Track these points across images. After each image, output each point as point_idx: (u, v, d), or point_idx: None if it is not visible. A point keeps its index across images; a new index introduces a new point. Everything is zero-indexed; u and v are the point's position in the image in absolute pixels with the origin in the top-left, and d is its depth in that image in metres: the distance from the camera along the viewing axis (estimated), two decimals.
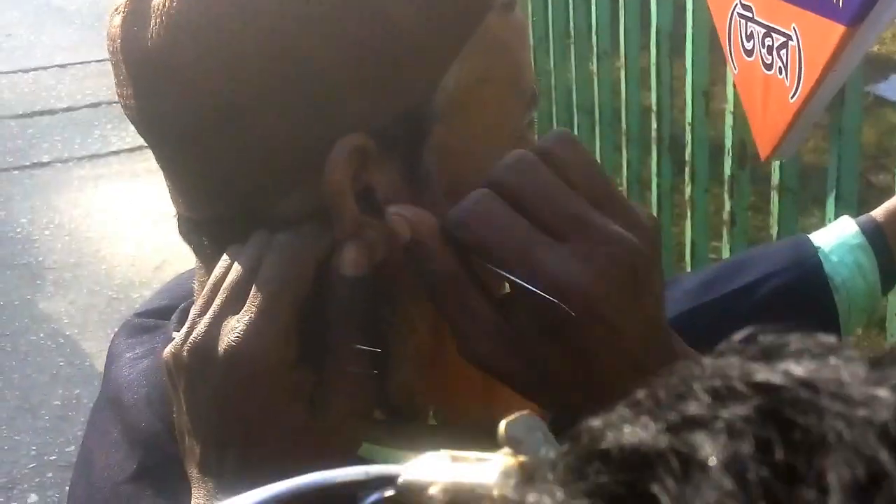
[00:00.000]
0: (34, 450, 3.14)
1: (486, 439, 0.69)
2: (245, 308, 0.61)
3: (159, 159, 0.67)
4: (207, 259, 0.67)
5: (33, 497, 2.98)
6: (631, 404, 0.27)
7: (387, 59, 0.61)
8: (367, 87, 0.61)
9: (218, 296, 0.62)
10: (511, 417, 0.34)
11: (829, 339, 0.27)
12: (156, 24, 0.61)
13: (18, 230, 4.32)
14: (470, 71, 0.64)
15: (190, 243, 0.68)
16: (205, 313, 0.62)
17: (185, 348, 0.62)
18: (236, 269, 0.62)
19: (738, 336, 0.29)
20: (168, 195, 0.69)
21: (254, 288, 0.61)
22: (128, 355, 0.76)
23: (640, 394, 0.27)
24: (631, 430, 0.26)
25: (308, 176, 0.61)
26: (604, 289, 0.57)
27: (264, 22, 0.59)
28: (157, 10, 0.61)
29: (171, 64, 0.61)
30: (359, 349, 0.61)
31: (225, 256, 0.64)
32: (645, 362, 0.59)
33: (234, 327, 0.60)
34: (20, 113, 5.38)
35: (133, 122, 0.66)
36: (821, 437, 0.23)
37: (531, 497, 0.26)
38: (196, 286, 0.71)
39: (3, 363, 3.52)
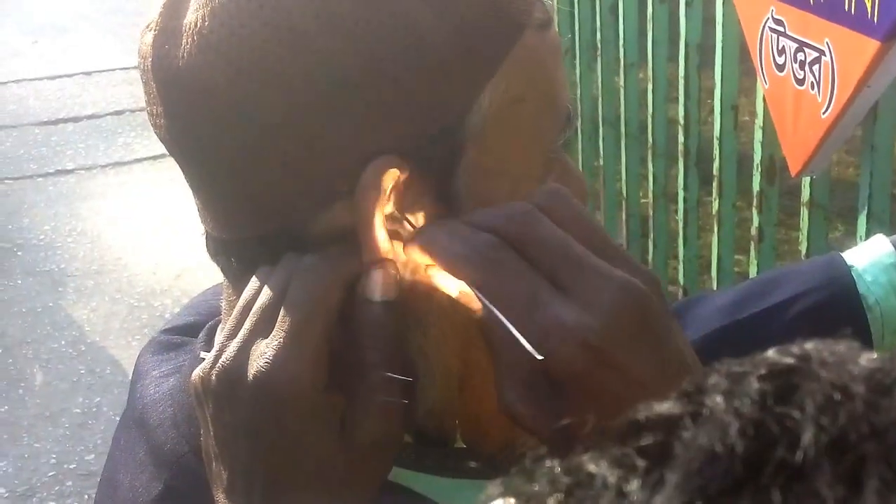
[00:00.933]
0: (54, 458, 3.14)
1: (510, 463, 0.68)
2: (274, 333, 0.59)
3: (189, 178, 0.66)
4: (235, 279, 0.66)
5: None
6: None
7: (422, 79, 0.60)
8: (402, 108, 0.60)
9: (247, 320, 0.61)
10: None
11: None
12: (187, 44, 0.60)
13: (41, 237, 4.34)
14: (505, 90, 0.63)
15: (218, 263, 0.67)
16: (234, 337, 0.61)
17: (214, 373, 0.60)
18: (266, 292, 0.61)
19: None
20: (193, 207, 0.68)
21: (282, 312, 0.60)
22: (154, 373, 0.75)
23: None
24: (660, 404, 0.31)
25: (341, 197, 0.60)
26: (612, 335, 0.55)
27: (298, 41, 0.58)
28: (189, 29, 0.60)
29: (204, 85, 0.60)
30: (389, 376, 0.60)
31: (254, 278, 0.63)
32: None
33: (263, 352, 0.59)
34: (45, 120, 5.41)
35: (163, 142, 0.65)
36: (810, 392, 0.29)
37: (581, 463, 0.31)
38: (224, 305, 0.70)
39: (24, 370, 3.53)
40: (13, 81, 5.89)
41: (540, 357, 0.56)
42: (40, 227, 4.41)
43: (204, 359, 0.63)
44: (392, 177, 0.60)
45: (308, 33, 0.58)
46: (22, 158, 5.04)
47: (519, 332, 0.56)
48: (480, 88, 0.62)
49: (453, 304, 0.60)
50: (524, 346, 0.57)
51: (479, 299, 0.57)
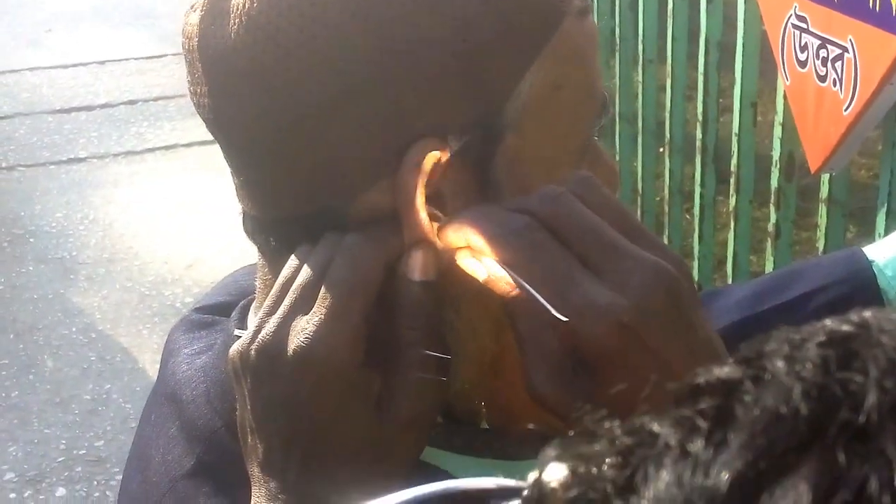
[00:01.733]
0: (63, 443, 3.15)
1: (538, 445, 0.68)
2: (314, 309, 0.60)
3: (229, 158, 0.66)
4: (273, 259, 0.66)
5: (61, 491, 2.98)
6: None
7: (466, 64, 0.60)
8: (445, 93, 0.60)
9: (287, 296, 0.61)
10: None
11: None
12: (234, 24, 0.61)
13: (53, 224, 4.34)
14: (545, 77, 0.63)
15: (255, 242, 0.68)
16: (273, 313, 0.61)
17: (254, 348, 0.61)
18: (306, 270, 0.62)
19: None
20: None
21: (323, 289, 0.60)
22: (186, 351, 0.75)
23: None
24: (719, 369, 0.31)
25: (382, 178, 0.61)
26: (644, 316, 0.56)
27: (346, 24, 0.59)
28: (237, 9, 0.61)
29: (251, 66, 0.60)
30: (426, 353, 0.60)
31: (293, 257, 0.63)
32: None
33: (303, 328, 0.59)
34: (58, 108, 5.42)
35: (205, 121, 0.65)
36: (873, 357, 0.29)
37: (642, 424, 0.31)
38: (259, 284, 0.70)
39: (34, 356, 3.53)
40: (27, 69, 5.90)
41: (573, 329, 0.56)
42: (52, 214, 4.42)
43: (239, 336, 0.63)
44: (433, 159, 0.60)
45: (355, 15, 0.59)
46: (35, 146, 5.05)
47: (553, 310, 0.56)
48: (521, 75, 0.62)
49: (487, 286, 0.60)
50: (550, 330, 0.57)
51: (514, 279, 0.57)
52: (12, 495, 2.96)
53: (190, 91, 0.65)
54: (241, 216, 0.68)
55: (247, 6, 0.60)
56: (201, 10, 0.63)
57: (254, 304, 0.72)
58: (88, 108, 5.41)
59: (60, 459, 3.09)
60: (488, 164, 0.62)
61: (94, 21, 6.53)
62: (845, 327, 0.31)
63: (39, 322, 3.71)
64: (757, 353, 0.31)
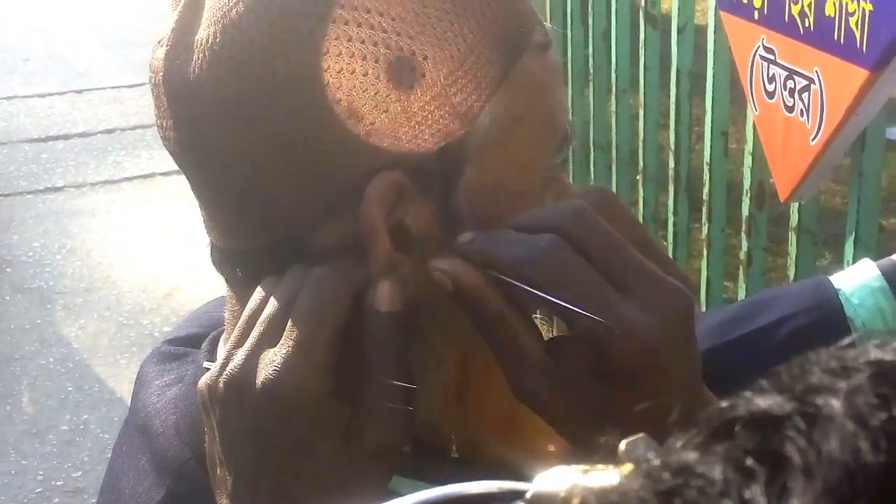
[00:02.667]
0: (41, 475, 3.13)
1: (506, 474, 0.69)
2: (282, 341, 0.61)
3: (196, 189, 0.67)
4: (240, 290, 0.67)
5: None
6: (754, 387, 0.30)
7: (424, 99, 0.62)
8: (405, 125, 0.62)
9: (254, 328, 0.62)
10: (631, 438, 0.34)
11: None
12: (198, 59, 0.62)
13: (30, 254, 4.33)
14: (505, 110, 0.64)
15: (223, 274, 0.69)
16: (241, 345, 0.62)
17: (222, 380, 0.62)
18: (273, 302, 0.62)
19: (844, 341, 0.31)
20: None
21: (290, 321, 0.61)
22: (157, 382, 0.76)
23: (763, 380, 0.30)
24: (760, 399, 0.29)
25: (345, 210, 0.62)
26: (668, 337, 0.59)
27: (307, 59, 0.60)
28: (201, 44, 0.62)
29: (214, 100, 0.62)
30: (392, 384, 0.61)
31: (259, 289, 0.64)
32: (689, 405, 0.59)
33: (271, 360, 0.60)
34: (35, 137, 5.41)
35: (172, 154, 0.66)
36: None
37: (674, 456, 0.29)
38: (228, 316, 0.71)
39: (11, 387, 3.51)
40: (4, 98, 5.90)
41: (605, 344, 0.58)
42: (29, 243, 4.40)
43: (208, 368, 0.64)
44: (396, 190, 0.62)
45: (315, 51, 0.60)
46: (12, 175, 5.04)
47: (585, 327, 0.58)
48: (481, 108, 0.63)
49: (453, 317, 0.62)
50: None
51: (546, 298, 0.59)
52: None
53: (157, 125, 0.67)
54: (209, 248, 0.69)
55: (210, 41, 0.62)
56: (167, 45, 0.64)
57: (223, 336, 0.73)
58: (66, 137, 5.40)
59: (38, 490, 3.07)
60: (450, 194, 0.64)
61: (72, 49, 6.53)
62: (894, 357, 0.29)
63: (16, 352, 3.69)
64: (803, 384, 0.29)
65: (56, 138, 5.40)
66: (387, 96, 0.61)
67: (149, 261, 4.19)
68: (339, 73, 0.60)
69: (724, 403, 0.30)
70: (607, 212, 0.61)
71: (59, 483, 3.09)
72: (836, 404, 0.27)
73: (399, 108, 0.61)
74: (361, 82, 0.61)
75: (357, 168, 0.61)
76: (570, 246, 0.60)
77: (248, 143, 0.62)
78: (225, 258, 0.67)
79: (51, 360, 3.65)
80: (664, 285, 0.59)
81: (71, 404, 3.42)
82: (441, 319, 0.64)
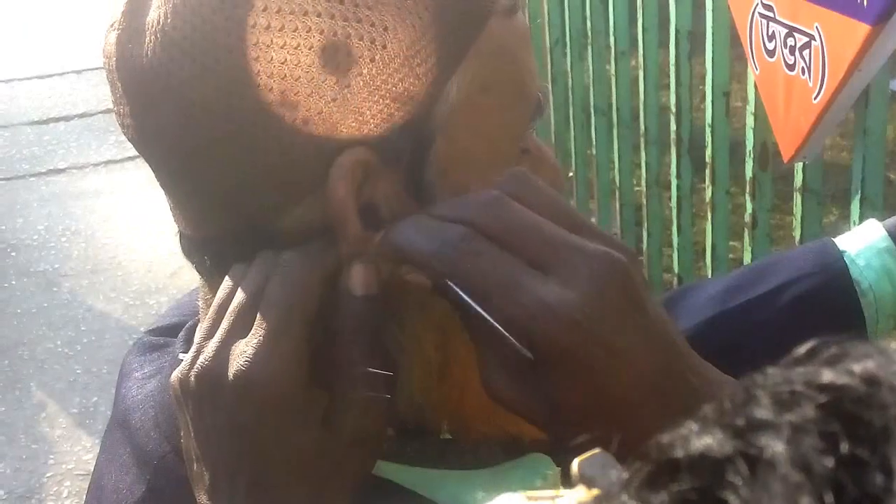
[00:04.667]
0: (52, 458, 3.13)
1: (498, 453, 0.68)
2: (253, 331, 0.59)
3: (158, 177, 0.65)
4: (211, 278, 0.66)
5: None
6: (698, 417, 0.28)
7: (388, 71, 0.59)
8: (368, 100, 0.59)
9: (224, 319, 0.60)
10: (584, 456, 0.33)
11: (889, 343, 0.28)
12: (150, 42, 0.60)
13: (35, 237, 4.32)
14: (472, 79, 0.62)
15: (192, 262, 0.67)
16: (211, 337, 0.60)
17: (193, 374, 0.60)
18: (242, 291, 0.61)
19: (802, 349, 0.29)
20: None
21: (261, 310, 0.59)
22: (137, 374, 0.74)
23: (706, 407, 0.28)
24: (699, 438, 0.27)
25: (311, 191, 0.60)
26: (596, 309, 0.55)
27: (261, 37, 0.58)
28: (152, 27, 0.60)
29: (169, 82, 0.59)
30: (369, 370, 0.60)
31: (228, 277, 0.62)
32: (664, 385, 0.57)
33: (242, 351, 0.58)
34: (36, 119, 5.40)
35: (131, 141, 0.65)
36: (883, 428, 0.24)
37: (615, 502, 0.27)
38: (201, 305, 0.69)
39: (20, 371, 3.52)
40: (3, 81, 5.88)
41: (528, 355, 0.55)
42: (34, 227, 4.40)
43: (182, 360, 0.62)
44: (363, 167, 0.59)
45: (271, 28, 0.58)
46: (14, 158, 5.03)
47: (503, 317, 0.56)
48: (447, 78, 0.61)
49: (429, 297, 0.60)
50: (506, 334, 0.56)
51: (458, 294, 0.57)
52: None
53: (115, 112, 0.64)
54: (178, 236, 0.67)
55: (161, 22, 0.59)
56: (118, 29, 0.62)
57: (199, 326, 0.71)
58: (67, 119, 5.38)
59: (49, 475, 3.08)
60: (420, 169, 0.61)
61: (70, 30, 6.50)
62: (847, 382, 0.26)
63: (24, 337, 3.69)
64: (746, 418, 0.27)
65: (57, 120, 5.39)
66: (348, 70, 0.58)
67: (154, 240, 4.19)
68: (296, 48, 0.58)
69: (665, 438, 0.27)
70: (523, 195, 0.58)
71: (69, 466, 3.10)
72: (779, 447, 0.25)
73: (361, 82, 0.59)
74: (320, 57, 0.58)
75: (320, 147, 0.59)
76: (482, 235, 0.57)
77: (205, 128, 0.59)
78: (193, 246, 0.65)
79: (58, 343, 3.64)
80: (586, 255, 0.56)
81: (80, 387, 3.42)
82: (416, 301, 0.62)
